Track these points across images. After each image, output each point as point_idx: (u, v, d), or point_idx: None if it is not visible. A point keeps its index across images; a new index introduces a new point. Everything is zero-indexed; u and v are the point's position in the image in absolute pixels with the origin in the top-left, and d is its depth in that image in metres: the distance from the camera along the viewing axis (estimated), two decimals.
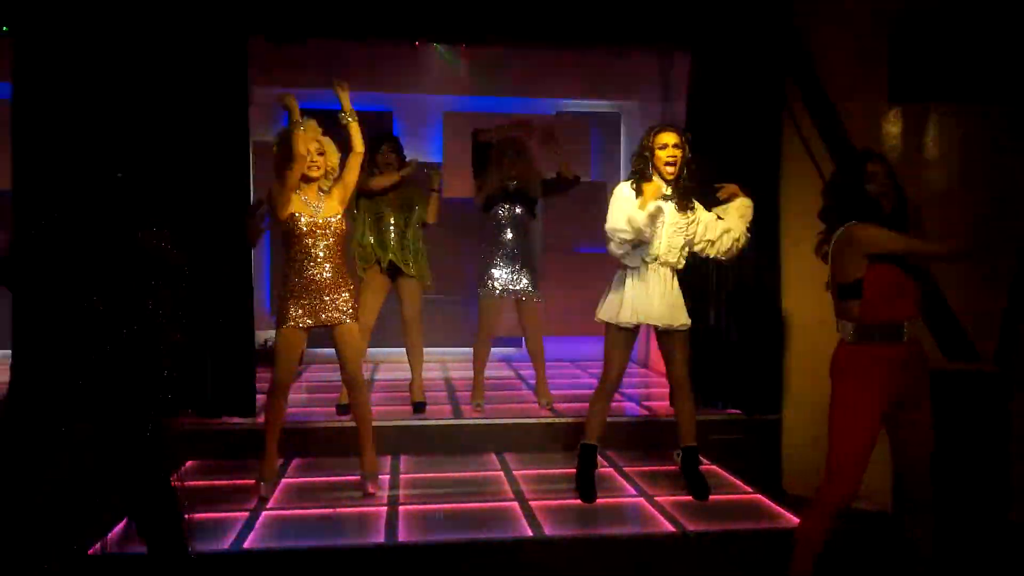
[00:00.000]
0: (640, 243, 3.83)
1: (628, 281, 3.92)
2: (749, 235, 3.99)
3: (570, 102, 7.63)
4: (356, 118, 3.97)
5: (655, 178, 3.87)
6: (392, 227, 4.90)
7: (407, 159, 5.09)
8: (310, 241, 3.83)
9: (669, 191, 3.89)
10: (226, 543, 3.40)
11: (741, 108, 4.99)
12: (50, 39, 4.44)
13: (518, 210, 5.07)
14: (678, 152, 3.86)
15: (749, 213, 3.99)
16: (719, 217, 3.97)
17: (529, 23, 5.04)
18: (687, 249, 3.96)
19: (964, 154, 4.59)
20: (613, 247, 3.89)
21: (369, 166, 4.97)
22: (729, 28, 4.99)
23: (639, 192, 3.83)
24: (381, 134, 5.16)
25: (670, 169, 3.86)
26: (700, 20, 4.97)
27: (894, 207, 2.95)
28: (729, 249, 3.96)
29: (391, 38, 5.37)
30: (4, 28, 4.73)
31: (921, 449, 3.00)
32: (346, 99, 3.95)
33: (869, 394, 2.90)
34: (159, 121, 4.53)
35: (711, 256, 4.02)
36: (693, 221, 3.93)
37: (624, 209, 3.81)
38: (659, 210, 3.81)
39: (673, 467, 4.11)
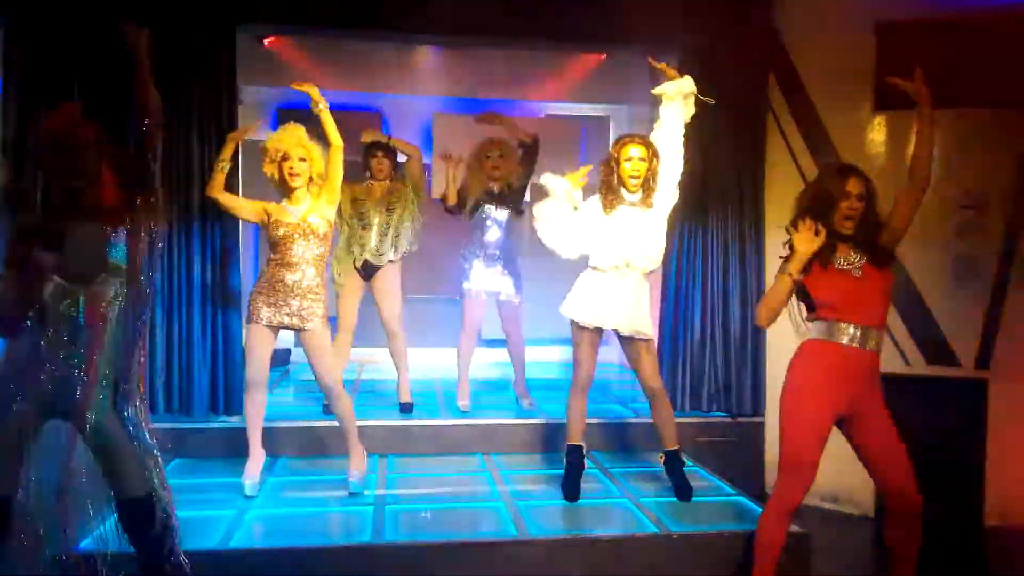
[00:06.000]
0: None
1: (596, 282, 3.87)
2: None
3: (560, 105, 7.65)
4: (327, 107, 3.80)
5: (621, 190, 3.81)
6: (375, 227, 4.88)
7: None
8: (285, 244, 3.80)
9: (638, 199, 3.82)
10: (212, 541, 3.40)
11: (727, 114, 5.03)
12: (40, 29, 4.42)
13: (502, 212, 5.07)
14: (643, 166, 3.76)
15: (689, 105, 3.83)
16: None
17: (518, 24, 5.06)
18: (655, 256, 3.88)
19: (943, 158, 4.66)
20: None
21: (363, 170, 4.98)
22: (716, 34, 5.03)
23: (605, 205, 3.82)
24: (377, 139, 5.07)
25: (634, 183, 3.78)
26: (686, 26, 4.99)
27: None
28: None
29: (377, 29, 5.32)
30: None
31: (875, 459, 3.06)
32: (311, 90, 3.78)
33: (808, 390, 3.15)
34: None
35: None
36: (656, 213, 3.84)
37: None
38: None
39: (657, 468, 4.14)
